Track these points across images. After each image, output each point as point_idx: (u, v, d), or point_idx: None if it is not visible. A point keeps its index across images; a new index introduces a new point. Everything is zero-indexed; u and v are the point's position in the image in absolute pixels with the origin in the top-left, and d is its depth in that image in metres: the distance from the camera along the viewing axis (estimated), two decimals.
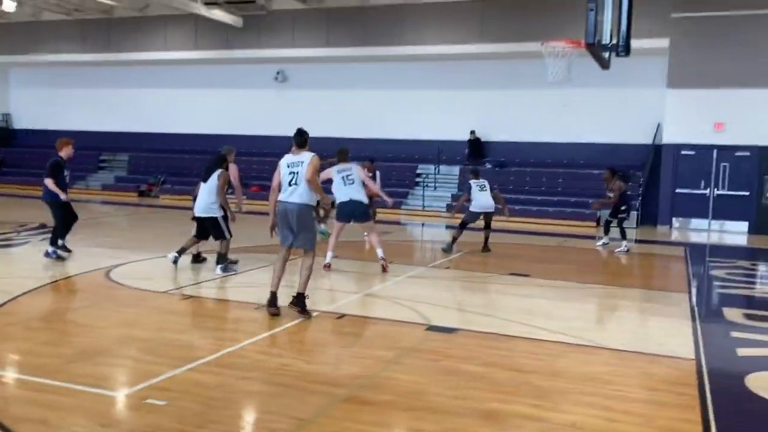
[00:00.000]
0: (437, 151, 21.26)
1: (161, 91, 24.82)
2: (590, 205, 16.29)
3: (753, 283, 10.55)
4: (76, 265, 9.44)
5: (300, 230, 6.63)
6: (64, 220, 9.66)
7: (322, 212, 12.30)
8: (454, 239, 11.68)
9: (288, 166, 6.63)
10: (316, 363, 5.36)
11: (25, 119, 27.42)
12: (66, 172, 9.65)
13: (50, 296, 7.67)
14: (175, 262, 9.09)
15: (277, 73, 22.98)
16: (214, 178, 8.95)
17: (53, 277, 8.61)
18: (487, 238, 11.82)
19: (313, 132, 23.26)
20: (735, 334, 6.74)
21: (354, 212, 9.54)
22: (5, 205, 19.02)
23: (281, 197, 6.62)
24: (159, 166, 23.90)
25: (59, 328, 6.19)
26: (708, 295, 9.26)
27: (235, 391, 4.70)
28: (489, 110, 20.93)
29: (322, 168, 8.80)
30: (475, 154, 20.80)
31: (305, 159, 6.62)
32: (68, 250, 9.75)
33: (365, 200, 9.71)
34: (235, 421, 4.19)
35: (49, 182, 9.38)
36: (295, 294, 6.71)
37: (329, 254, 9.52)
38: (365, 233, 9.85)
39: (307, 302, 6.71)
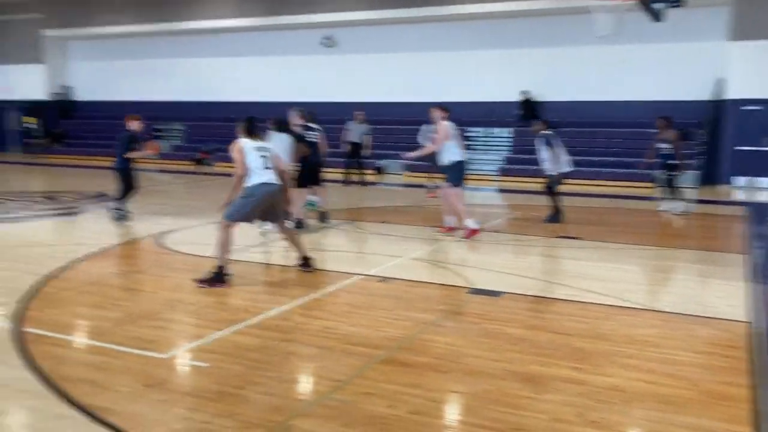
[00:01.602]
0: (488, 113, 20.87)
1: (212, 60, 25.07)
2: (644, 160, 15.29)
3: None
4: (130, 232, 9.72)
5: (280, 208, 6.95)
6: (128, 186, 10.58)
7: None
8: (557, 209, 10.81)
9: (257, 149, 6.72)
10: (357, 325, 5.39)
11: (84, 91, 28.17)
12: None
13: (103, 262, 7.92)
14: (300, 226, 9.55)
15: (326, 38, 22.86)
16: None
17: (107, 243, 8.89)
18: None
19: (362, 97, 23.23)
20: None
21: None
22: (66, 174, 19.70)
23: (264, 179, 6.64)
24: (213, 134, 24.26)
25: (109, 292, 6.40)
26: (766, 256, 8.87)
27: (276, 354, 4.77)
28: (542, 69, 20.36)
29: None
30: (528, 115, 20.30)
31: (270, 146, 7.03)
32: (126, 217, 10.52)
33: None
34: (274, 383, 4.25)
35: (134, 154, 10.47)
36: (303, 258, 7.15)
37: (469, 221, 9.23)
38: (435, 196, 9.58)
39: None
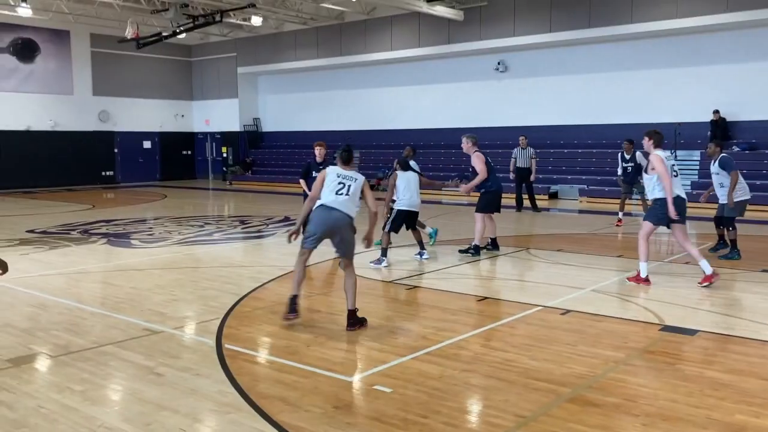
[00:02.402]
0: (674, 135, 19.58)
1: (387, 90, 25.98)
2: None
3: None
4: (315, 255, 10.21)
5: (342, 240, 6.26)
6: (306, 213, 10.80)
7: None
8: (734, 242, 9.62)
9: (338, 176, 6.29)
10: (539, 359, 5.22)
11: (271, 122, 30.42)
12: (315, 173, 10.50)
13: (286, 285, 8.37)
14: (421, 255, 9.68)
15: (498, 63, 22.81)
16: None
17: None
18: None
19: (534, 120, 22.81)
20: None
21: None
22: (255, 200, 21.27)
23: (326, 202, 6.20)
24: (387, 161, 25.05)
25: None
26: None
27: (457, 383, 4.75)
28: (736, 86, 18.77)
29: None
30: (720, 135, 18.77)
31: (359, 178, 6.35)
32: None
33: None
34: (456, 414, 4.22)
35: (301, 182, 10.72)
36: (349, 312, 6.17)
37: (644, 265, 7.93)
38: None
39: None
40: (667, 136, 19.48)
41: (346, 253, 6.32)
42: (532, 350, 5.47)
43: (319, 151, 10.94)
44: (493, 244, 10.23)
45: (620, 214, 13.97)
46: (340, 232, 6.22)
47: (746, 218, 10.68)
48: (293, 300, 6.24)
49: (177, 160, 30.68)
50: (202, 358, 5.35)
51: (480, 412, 4.31)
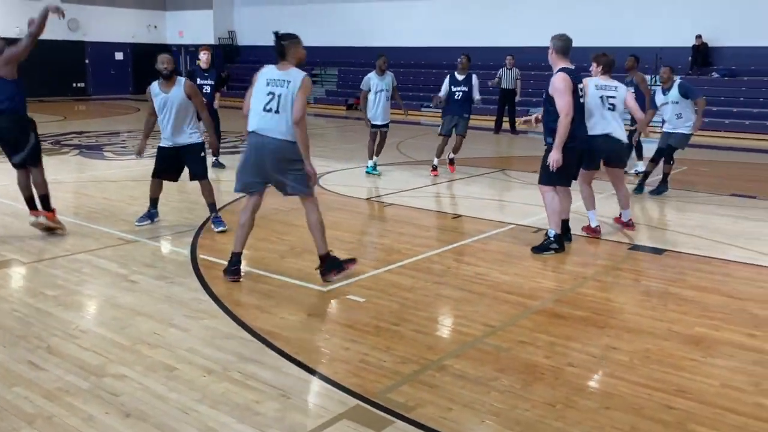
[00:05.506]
0: (654, 59, 19.44)
1: (370, 4, 25.24)
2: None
3: None
4: None
5: (286, 173, 4.84)
6: None
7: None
8: (668, 175, 8.81)
9: (267, 84, 4.68)
10: (510, 274, 5.33)
11: (247, 36, 29.53)
12: (200, 80, 10.13)
13: (267, 198, 8.30)
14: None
15: None
16: None
17: None
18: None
19: (516, 41, 22.19)
20: None
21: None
22: (230, 116, 20.86)
23: (253, 126, 4.79)
24: None
25: (273, 226, 6.76)
26: None
27: (428, 294, 4.85)
28: (720, 9, 18.52)
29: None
30: (701, 62, 18.70)
31: (294, 79, 4.65)
32: None
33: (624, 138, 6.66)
34: (427, 322, 4.33)
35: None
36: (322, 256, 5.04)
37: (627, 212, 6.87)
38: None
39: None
40: (649, 60, 19.41)
41: (288, 190, 5.01)
42: (503, 265, 5.58)
43: (205, 57, 10.24)
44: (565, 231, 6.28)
45: (436, 162, 9.96)
46: (273, 163, 4.81)
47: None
48: (236, 257, 5.06)
49: (150, 72, 28.91)
50: (176, 267, 5.38)
51: (450, 321, 4.43)
